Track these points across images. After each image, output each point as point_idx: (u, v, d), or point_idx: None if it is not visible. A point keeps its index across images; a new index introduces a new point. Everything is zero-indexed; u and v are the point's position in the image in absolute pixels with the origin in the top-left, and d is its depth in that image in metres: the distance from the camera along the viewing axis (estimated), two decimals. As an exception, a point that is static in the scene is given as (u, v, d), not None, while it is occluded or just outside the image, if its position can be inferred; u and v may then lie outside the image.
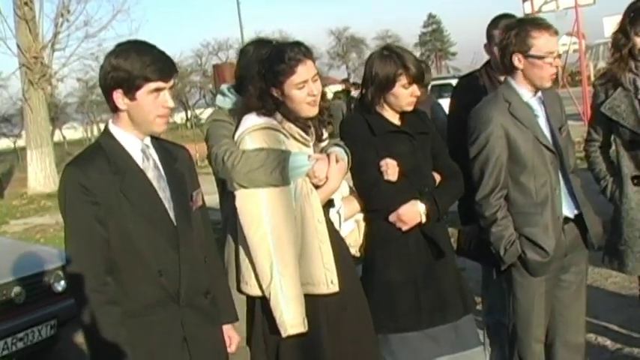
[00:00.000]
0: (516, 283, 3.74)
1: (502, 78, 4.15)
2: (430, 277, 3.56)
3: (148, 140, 2.87)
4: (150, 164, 2.84)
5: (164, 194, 2.83)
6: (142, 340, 2.73)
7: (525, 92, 3.65)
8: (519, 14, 4.50)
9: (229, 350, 3.14)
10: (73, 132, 62.34)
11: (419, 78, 3.60)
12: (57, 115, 45.32)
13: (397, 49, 3.71)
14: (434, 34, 77.19)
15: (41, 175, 20.28)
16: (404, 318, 3.53)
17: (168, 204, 2.83)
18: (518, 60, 3.59)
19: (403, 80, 3.55)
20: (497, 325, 4.57)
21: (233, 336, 3.19)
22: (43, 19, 21.14)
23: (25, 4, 19.82)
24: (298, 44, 3.33)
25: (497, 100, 3.65)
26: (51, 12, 22.11)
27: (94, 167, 2.72)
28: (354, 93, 15.17)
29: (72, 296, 2.74)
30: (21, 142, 42.45)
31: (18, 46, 20.26)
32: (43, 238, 12.33)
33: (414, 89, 3.59)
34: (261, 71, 3.31)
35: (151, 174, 2.82)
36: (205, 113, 46.59)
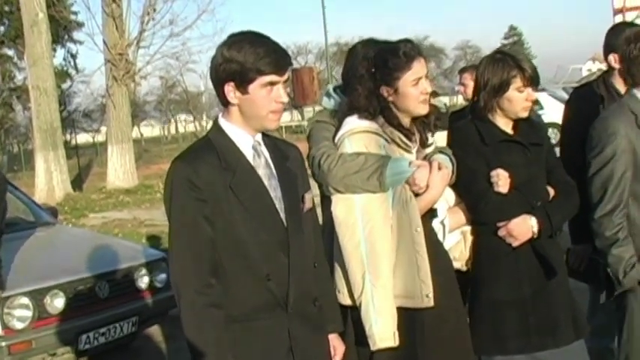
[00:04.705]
0: (632, 310, 3.49)
1: (621, 89, 3.97)
2: (541, 298, 3.36)
3: (259, 137, 2.74)
4: (261, 162, 2.71)
5: (275, 194, 2.69)
6: (245, 346, 2.60)
7: None
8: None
9: None
10: (151, 129, 63.77)
11: (534, 81, 3.42)
12: (136, 112, 46.18)
13: (510, 52, 3.58)
14: (514, 47, 75.95)
15: (121, 170, 20.57)
16: (511, 340, 3.34)
17: (279, 204, 2.68)
18: None
19: (518, 82, 3.37)
20: (604, 351, 4.34)
21: (338, 346, 3.04)
22: (130, 16, 21.51)
23: (113, 1, 20.16)
24: (409, 41, 3.24)
25: (624, 112, 3.41)
26: (137, 10, 22.46)
27: (203, 162, 2.59)
28: (433, 101, 14.96)
29: (174, 296, 2.62)
30: (100, 137, 43.53)
31: (104, 42, 20.61)
32: (121, 233, 12.45)
33: (530, 93, 3.41)
34: (371, 69, 3.20)
35: (262, 172, 2.69)
36: (283, 116, 46.90)
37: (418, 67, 3.15)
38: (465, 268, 3.47)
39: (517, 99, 3.39)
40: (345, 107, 3.29)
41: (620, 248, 3.38)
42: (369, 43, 3.48)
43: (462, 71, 6.63)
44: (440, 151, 3.37)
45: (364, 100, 3.19)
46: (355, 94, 3.24)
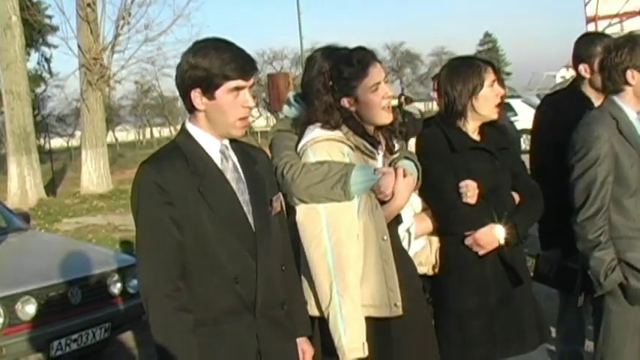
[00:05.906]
0: (610, 313, 3.54)
1: (591, 97, 4.01)
2: (507, 305, 3.39)
3: (226, 141, 2.74)
4: (229, 165, 2.71)
5: (243, 197, 2.69)
6: (213, 350, 2.60)
7: (630, 111, 3.49)
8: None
9: None
10: (126, 134, 63.50)
11: (499, 73, 3.49)
12: (110, 116, 46.00)
13: (465, 55, 3.66)
14: (489, 53, 76.38)
15: (95, 175, 20.44)
16: (478, 347, 3.36)
17: (247, 208, 2.69)
18: (632, 76, 3.44)
19: (491, 76, 3.41)
20: (573, 354, 4.40)
21: (307, 349, 3.04)
22: (105, 21, 21.31)
23: (88, 5, 20.02)
24: (362, 48, 3.20)
25: (605, 117, 3.48)
26: (112, 14, 22.15)
27: (170, 166, 2.59)
28: (408, 107, 14.99)
29: (142, 300, 2.61)
30: (74, 142, 43.27)
31: (79, 46, 20.47)
32: (95, 238, 12.39)
33: (499, 88, 3.44)
34: (327, 83, 3.15)
35: (229, 176, 2.70)
36: (258, 122, 46.92)
37: (374, 73, 3.11)
38: (431, 273, 3.47)
39: (490, 96, 3.41)
40: (305, 120, 3.24)
41: (601, 251, 3.43)
42: (328, 51, 3.39)
43: (436, 77, 6.64)
44: (405, 156, 3.33)
45: (323, 115, 3.13)
46: (312, 109, 3.18)
